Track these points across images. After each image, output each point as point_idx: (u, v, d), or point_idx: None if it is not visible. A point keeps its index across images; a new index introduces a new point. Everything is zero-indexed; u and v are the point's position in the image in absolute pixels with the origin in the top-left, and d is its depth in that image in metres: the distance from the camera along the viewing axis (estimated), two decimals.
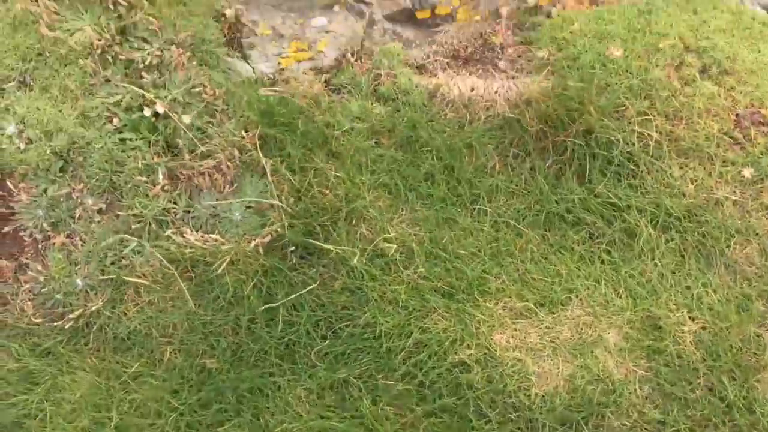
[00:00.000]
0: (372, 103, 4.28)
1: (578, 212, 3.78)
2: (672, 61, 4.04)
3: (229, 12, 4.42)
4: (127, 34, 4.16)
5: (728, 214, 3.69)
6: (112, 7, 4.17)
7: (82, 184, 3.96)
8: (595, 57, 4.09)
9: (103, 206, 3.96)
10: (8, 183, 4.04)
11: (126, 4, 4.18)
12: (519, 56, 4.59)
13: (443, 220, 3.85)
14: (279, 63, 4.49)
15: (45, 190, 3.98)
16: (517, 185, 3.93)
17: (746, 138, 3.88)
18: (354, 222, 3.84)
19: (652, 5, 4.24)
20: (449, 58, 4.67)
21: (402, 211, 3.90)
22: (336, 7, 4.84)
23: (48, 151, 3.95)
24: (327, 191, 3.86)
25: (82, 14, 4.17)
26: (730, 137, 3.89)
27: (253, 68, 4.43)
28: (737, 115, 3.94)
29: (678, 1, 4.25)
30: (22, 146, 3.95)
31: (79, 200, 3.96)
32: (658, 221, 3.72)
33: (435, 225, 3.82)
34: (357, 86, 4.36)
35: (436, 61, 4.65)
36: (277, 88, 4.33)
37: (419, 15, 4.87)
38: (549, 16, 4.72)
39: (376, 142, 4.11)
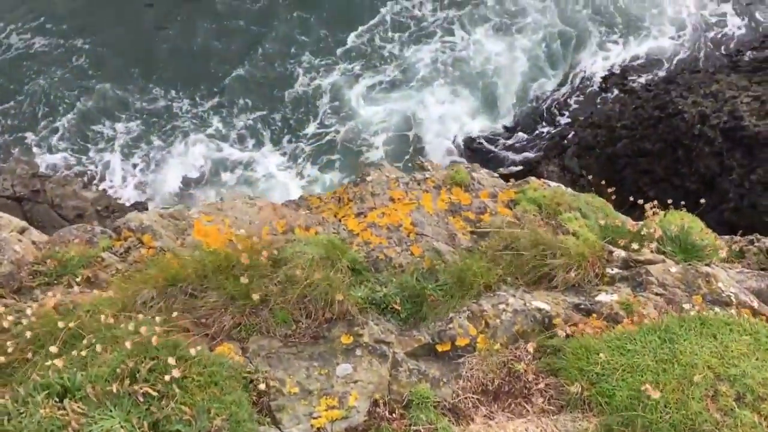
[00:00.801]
0: None
1: None
2: (707, 391, 4.11)
3: (262, 386, 4.38)
4: (160, 428, 4.03)
5: None
6: (141, 399, 4.09)
7: None
8: (631, 393, 4.13)
9: None
10: None
11: (156, 393, 4.10)
12: (548, 387, 4.62)
13: None
14: (311, 425, 4.39)
15: None
16: None
17: None
18: None
19: (672, 333, 4.40)
20: (479, 394, 4.66)
21: None
22: (358, 351, 4.86)
23: None
24: None
25: (111, 411, 4.05)
26: None
27: None
28: None
29: (695, 327, 4.43)
30: None
31: None
32: None
33: None
34: None
35: (466, 398, 4.63)
36: None
37: (440, 348, 4.92)
38: (567, 336, 4.84)
39: None
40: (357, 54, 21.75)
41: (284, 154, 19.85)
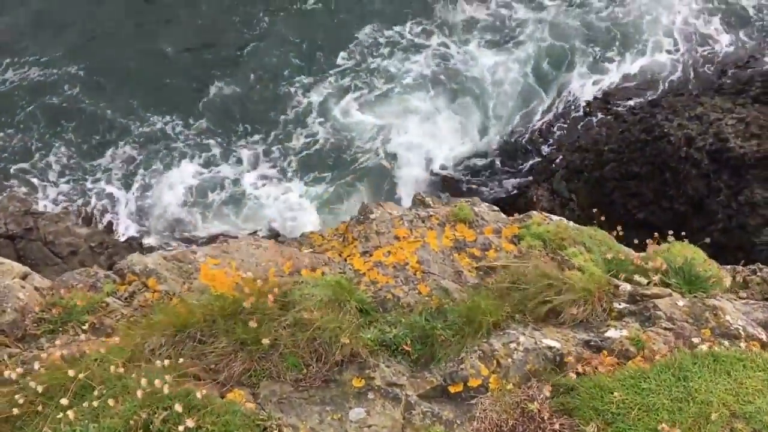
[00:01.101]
0: None
1: None
2: (723, 429, 4.12)
3: None
4: None
5: None
6: None
7: None
8: None
9: None
10: None
11: None
12: (563, 427, 4.60)
13: None
14: None
15: None
16: None
17: None
18: None
19: (686, 370, 4.42)
20: None
21: None
22: (370, 394, 4.84)
23: None
24: None
25: None
26: None
27: None
28: None
29: (708, 363, 4.45)
30: None
31: None
32: None
33: None
34: None
35: None
36: None
37: (452, 389, 4.91)
38: (580, 374, 4.84)
39: None
40: (346, 72, 21.93)
41: (270, 172, 19.93)
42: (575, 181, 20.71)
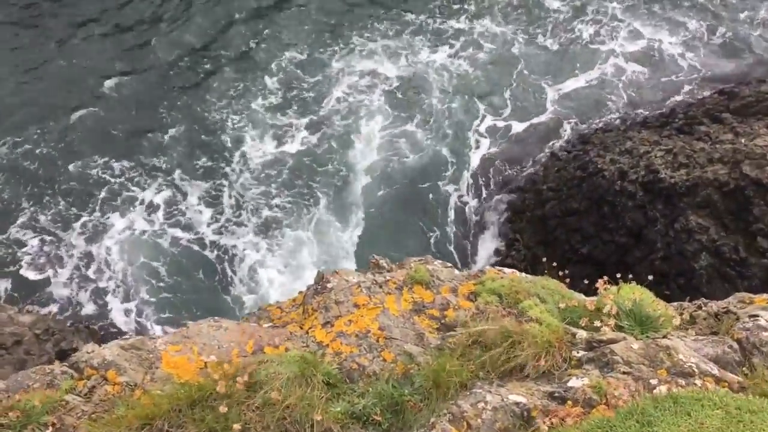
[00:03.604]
0: None
1: None
2: None
3: None
4: None
5: None
6: None
7: None
8: None
9: None
10: None
11: None
12: None
13: None
14: None
15: None
16: None
17: None
18: None
19: (649, 415, 4.56)
20: None
21: None
22: None
23: None
24: None
25: None
26: None
27: None
28: None
29: (668, 406, 4.61)
30: None
31: None
32: None
33: None
34: None
35: None
36: None
37: None
38: (549, 428, 4.94)
39: None
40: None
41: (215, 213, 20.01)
42: (519, 221, 21.19)
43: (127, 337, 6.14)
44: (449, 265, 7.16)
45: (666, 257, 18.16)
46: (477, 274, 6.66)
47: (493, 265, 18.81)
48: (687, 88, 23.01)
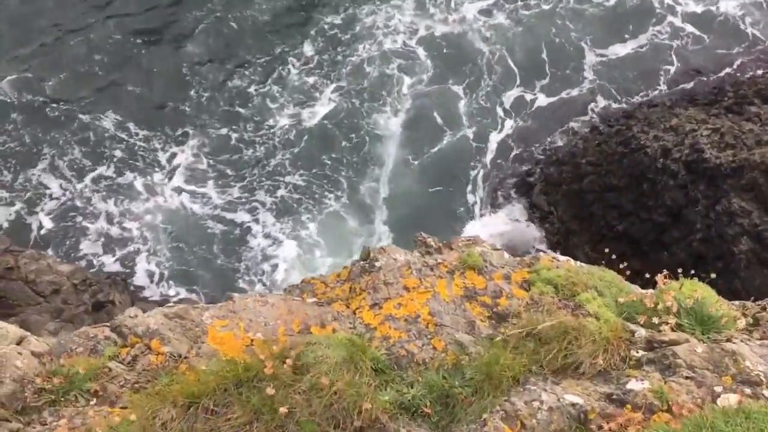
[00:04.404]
0: None
1: None
2: None
3: None
4: None
5: None
6: None
7: None
8: None
9: None
10: None
11: None
12: None
13: None
14: None
15: None
16: None
17: None
18: None
19: (719, 430, 4.34)
20: None
21: None
22: None
23: None
24: None
25: None
26: None
27: None
28: None
29: (740, 422, 4.38)
30: None
31: None
32: None
33: None
34: None
35: None
36: None
37: None
38: None
39: None
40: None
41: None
42: (554, 194, 20.79)
43: (171, 304, 6.01)
44: (498, 247, 6.92)
45: (705, 239, 17.72)
46: (530, 261, 6.41)
47: (539, 250, 18.49)
48: (740, 60, 22.04)
